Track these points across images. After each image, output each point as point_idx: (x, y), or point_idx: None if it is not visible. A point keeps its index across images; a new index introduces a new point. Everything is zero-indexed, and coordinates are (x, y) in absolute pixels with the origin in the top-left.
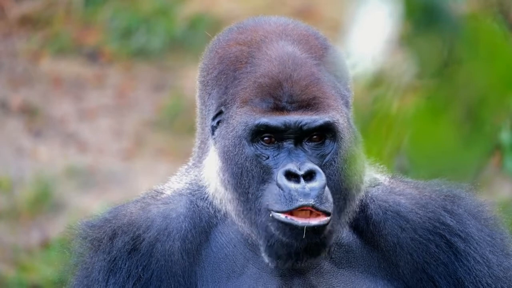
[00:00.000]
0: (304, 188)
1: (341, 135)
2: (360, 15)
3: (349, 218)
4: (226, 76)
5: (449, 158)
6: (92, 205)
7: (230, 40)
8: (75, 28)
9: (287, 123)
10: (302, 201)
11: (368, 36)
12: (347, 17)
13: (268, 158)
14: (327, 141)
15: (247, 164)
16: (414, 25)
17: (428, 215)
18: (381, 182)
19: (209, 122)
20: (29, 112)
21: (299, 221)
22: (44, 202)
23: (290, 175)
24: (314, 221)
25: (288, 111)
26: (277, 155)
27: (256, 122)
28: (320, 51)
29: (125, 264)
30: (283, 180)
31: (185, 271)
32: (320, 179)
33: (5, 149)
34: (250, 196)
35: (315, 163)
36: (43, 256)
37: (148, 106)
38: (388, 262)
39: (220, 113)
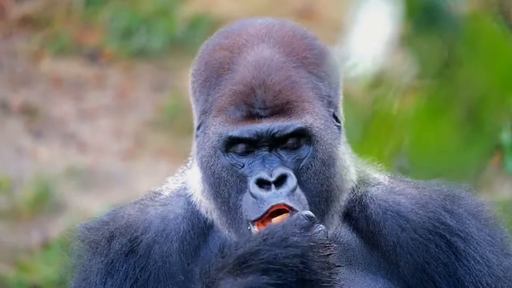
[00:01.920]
0: (275, 193)
1: (316, 139)
2: (361, 15)
3: (334, 220)
4: (210, 83)
5: (449, 159)
6: (92, 205)
7: (216, 45)
8: (75, 28)
9: (259, 132)
10: (273, 202)
11: (369, 36)
12: (348, 17)
13: (243, 166)
14: (303, 146)
15: (223, 174)
16: (414, 25)
17: (428, 215)
18: (381, 182)
19: (195, 130)
20: (29, 112)
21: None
22: (44, 202)
23: (262, 183)
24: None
25: (261, 117)
26: (252, 162)
27: (229, 134)
28: (304, 52)
29: (123, 266)
30: (255, 189)
31: (183, 272)
32: (291, 183)
33: (5, 149)
34: (231, 205)
35: (291, 168)
36: (43, 256)
37: (148, 106)
38: (388, 261)
39: (203, 122)
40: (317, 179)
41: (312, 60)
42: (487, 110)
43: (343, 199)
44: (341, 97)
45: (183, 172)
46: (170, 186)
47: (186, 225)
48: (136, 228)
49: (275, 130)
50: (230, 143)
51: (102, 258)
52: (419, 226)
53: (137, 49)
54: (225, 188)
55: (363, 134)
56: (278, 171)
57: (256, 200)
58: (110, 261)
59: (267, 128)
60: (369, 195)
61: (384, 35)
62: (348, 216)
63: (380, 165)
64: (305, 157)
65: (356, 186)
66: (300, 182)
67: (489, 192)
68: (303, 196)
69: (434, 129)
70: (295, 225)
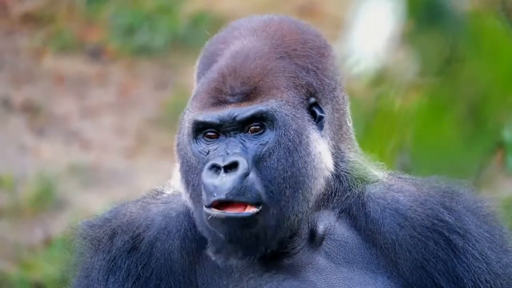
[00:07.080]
0: (221, 180)
1: (280, 124)
2: (363, 12)
3: (309, 205)
4: (201, 73)
5: (451, 156)
6: (95, 203)
7: (215, 38)
8: (78, 25)
9: (221, 117)
10: (215, 196)
11: (371, 34)
12: (350, 14)
13: (208, 153)
14: (266, 131)
15: (192, 161)
16: (417, 22)
17: (426, 212)
18: (379, 179)
19: None
20: (31, 110)
21: (215, 212)
22: (47, 200)
23: (216, 168)
24: (230, 212)
25: (229, 103)
26: (217, 148)
27: (195, 119)
28: (294, 45)
29: (125, 263)
30: (204, 176)
31: (185, 270)
32: (241, 170)
33: (7, 147)
34: (199, 194)
35: (253, 153)
36: (46, 254)
37: (151, 104)
38: (387, 259)
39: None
40: (280, 165)
41: (301, 52)
42: (490, 107)
43: (316, 186)
44: (338, 92)
45: None
46: (172, 184)
47: (188, 223)
48: (138, 226)
49: (236, 114)
50: (198, 129)
51: (104, 255)
52: (417, 223)
53: (140, 46)
54: (194, 175)
55: (365, 131)
56: (231, 157)
57: (205, 187)
58: (112, 258)
59: (228, 112)
60: (367, 192)
61: (386, 32)
62: (346, 214)
63: (380, 162)
64: (268, 141)
65: (354, 183)
66: (263, 167)
67: (491, 190)
68: (256, 182)
69: (436, 127)
70: None
